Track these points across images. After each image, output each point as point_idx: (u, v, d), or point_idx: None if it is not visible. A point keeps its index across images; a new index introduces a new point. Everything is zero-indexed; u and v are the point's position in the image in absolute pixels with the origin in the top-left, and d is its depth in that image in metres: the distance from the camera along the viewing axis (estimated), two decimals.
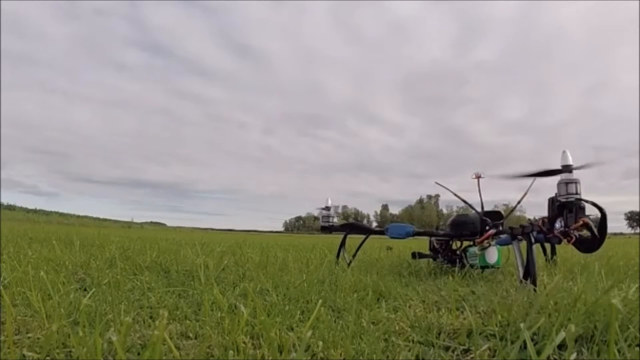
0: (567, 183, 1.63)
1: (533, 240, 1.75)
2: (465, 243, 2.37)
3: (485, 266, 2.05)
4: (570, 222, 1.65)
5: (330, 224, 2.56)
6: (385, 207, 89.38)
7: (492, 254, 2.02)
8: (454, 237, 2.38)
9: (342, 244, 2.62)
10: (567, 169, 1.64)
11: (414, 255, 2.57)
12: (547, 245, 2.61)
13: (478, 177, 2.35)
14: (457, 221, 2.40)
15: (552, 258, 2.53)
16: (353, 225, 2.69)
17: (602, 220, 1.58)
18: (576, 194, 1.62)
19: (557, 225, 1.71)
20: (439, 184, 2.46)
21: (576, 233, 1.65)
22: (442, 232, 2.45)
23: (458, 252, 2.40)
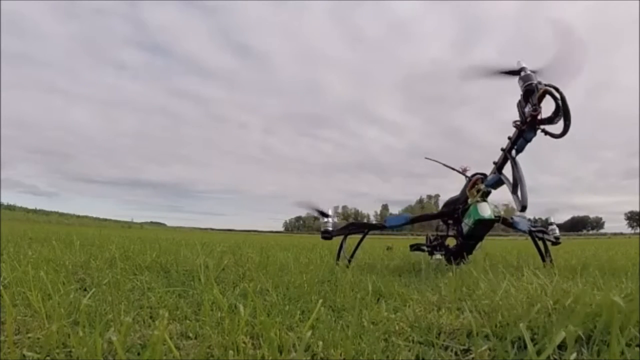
0: (526, 75, 1.88)
1: (514, 154, 1.96)
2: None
3: (479, 220, 2.05)
4: (534, 100, 1.79)
5: (330, 229, 2.56)
6: (385, 207, 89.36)
7: (484, 207, 2.06)
8: (447, 215, 2.45)
9: (342, 245, 2.61)
10: (523, 69, 1.91)
11: (411, 247, 2.62)
12: (540, 243, 2.62)
13: (464, 170, 2.42)
14: (449, 200, 2.49)
15: (547, 257, 2.54)
16: (352, 224, 2.70)
17: (563, 101, 1.73)
18: (534, 80, 1.85)
19: (527, 110, 1.85)
20: (429, 159, 2.60)
21: (543, 115, 1.80)
22: (436, 212, 2.50)
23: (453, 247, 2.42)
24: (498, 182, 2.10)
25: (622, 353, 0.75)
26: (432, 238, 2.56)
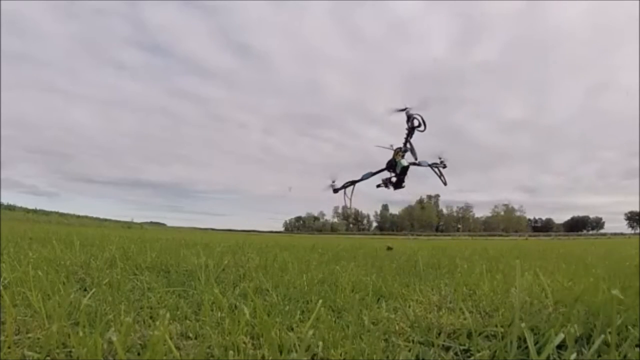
0: (407, 110, 3.93)
1: (411, 140, 3.96)
2: None
3: (403, 167, 3.79)
4: (410, 119, 3.95)
5: (336, 187, 4.15)
6: (385, 207, 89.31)
7: (404, 161, 3.80)
8: (390, 167, 3.99)
9: (345, 193, 4.15)
10: (407, 109, 3.96)
11: (378, 185, 4.12)
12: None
13: (391, 146, 3.98)
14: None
15: (443, 179, 4.02)
16: (346, 183, 4.15)
17: (421, 117, 3.88)
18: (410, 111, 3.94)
19: (409, 124, 3.92)
20: (380, 146, 4.01)
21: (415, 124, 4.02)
22: (384, 167, 3.98)
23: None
24: (408, 150, 3.90)
25: (623, 355, 0.75)
26: (385, 179, 4.08)
